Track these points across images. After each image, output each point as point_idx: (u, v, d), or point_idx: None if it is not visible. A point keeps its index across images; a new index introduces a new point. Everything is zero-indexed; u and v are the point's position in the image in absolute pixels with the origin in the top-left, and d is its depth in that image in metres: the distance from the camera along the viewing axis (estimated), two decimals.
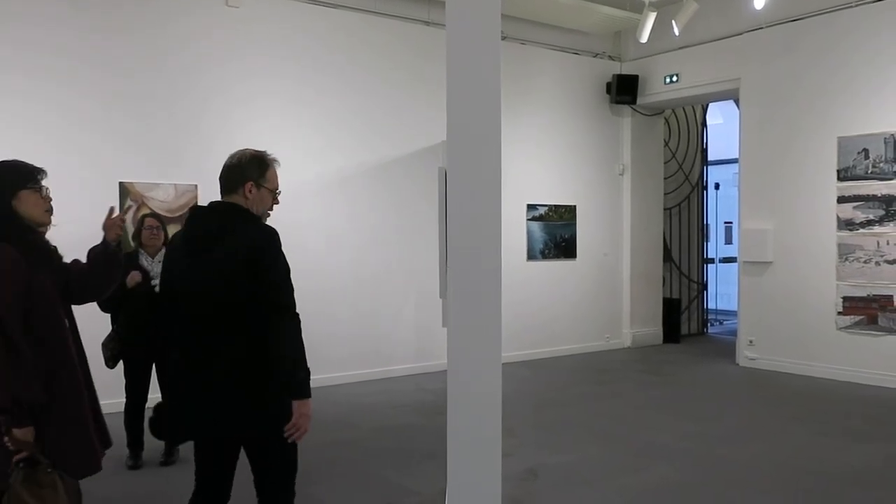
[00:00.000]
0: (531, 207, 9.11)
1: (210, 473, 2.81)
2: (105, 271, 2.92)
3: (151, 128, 6.62)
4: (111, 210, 2.93)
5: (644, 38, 8.14)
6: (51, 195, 2.79)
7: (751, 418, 6.26)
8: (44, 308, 2.65)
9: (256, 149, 2.86)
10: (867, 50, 7.46)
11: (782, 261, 8.20)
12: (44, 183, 2.77)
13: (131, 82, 6.54)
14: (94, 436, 2.80)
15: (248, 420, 2.65)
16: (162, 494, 4.44)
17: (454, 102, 1.55)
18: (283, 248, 2.70)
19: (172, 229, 6.56)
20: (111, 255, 2.91)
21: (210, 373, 2.65)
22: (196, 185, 6.74)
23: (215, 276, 2.65)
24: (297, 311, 2.69)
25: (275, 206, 2.87)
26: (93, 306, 3.82)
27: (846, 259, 7.61)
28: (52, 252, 2.79)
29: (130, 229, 5.25)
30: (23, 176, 2.70)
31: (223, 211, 2.76)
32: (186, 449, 3.12)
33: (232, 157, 2.82)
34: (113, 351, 4.73)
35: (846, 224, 7.62)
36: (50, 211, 2.77)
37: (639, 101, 9.73)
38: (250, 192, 2.75)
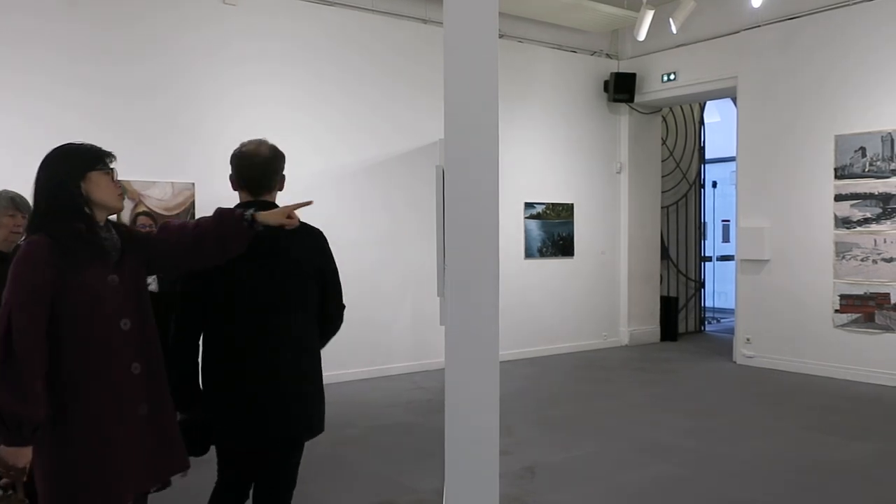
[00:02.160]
0: (529, 206, 9.11)
1: (250, 478, 2.80)
2: (225, 240, 2.46)
3: (149, 126, 6.60)
4: (292, 214, 2.58)
5: (641, 37, 8.14)
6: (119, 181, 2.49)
7: (748, 416, 6.26)
8: (83, 308, 2.25)
9: (259, 138, 2.80)
10: (864, 47, 7.46)
11: (779, 259, 8.21)
12: (113, 167, 2.42)
13: (128, 80, 6.53)
14: (126, 471, 2.31)
15: (315, 423, 2.78)
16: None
17: (452, 100, 1.54)
18: None
19: None
20: (244, 231, 2.47)
21: (283, 380, 2.65)
22: (193, 184, 6.73)
23: (290, 285, 2.65)
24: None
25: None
26: None
27: (843, 257, 7.62)
28: (107, 243, 2.35)
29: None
30: (93, 157, 2.36)
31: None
32: None
33: (257, 153, 2.68)
34: None
35: (843, 222, 7.63)
36: (122, 195, 2.44)
37: (636, 99, 9.73)
38: (280, 188, 2.74)
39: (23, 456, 2.18)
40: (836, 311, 7.67)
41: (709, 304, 11.63)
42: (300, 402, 2.69)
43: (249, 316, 2.63)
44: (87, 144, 2.40)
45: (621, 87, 9.61)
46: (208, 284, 2.61)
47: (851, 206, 7.56)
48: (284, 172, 2.75)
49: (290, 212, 2.50)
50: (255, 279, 2.61)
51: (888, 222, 7.32)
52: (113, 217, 2.47)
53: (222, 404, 2.64)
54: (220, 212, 2.47)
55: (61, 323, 2.23)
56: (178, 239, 2.46)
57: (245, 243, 2.47)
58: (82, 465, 2.24)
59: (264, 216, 2.47)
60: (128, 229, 2.50)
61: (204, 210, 6.68)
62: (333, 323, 2.86)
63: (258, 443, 2.69)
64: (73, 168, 2.31)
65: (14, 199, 3.40)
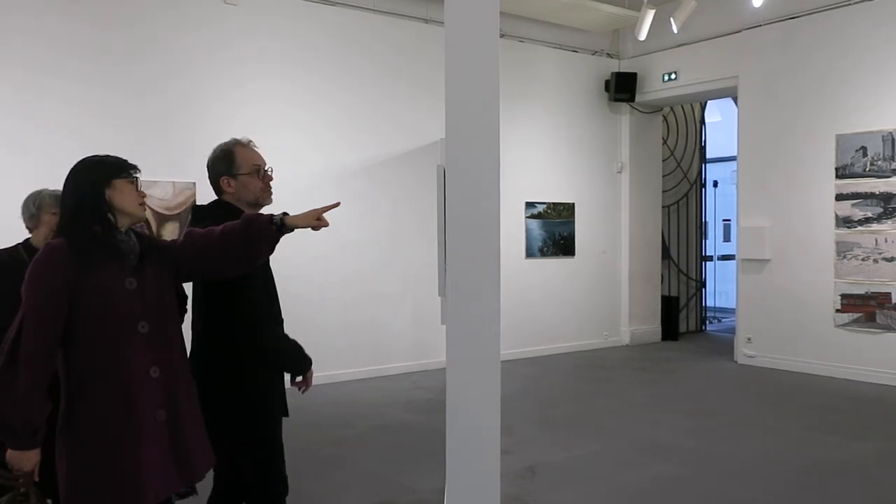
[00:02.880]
0: (529, 205, 9.11)
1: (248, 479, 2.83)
2: (250, 244, 2.42)
3: (149, 125, 6.61)
4: (322, 217, 2.48)
5: (642, 36, 8.13)
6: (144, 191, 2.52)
7: (748, 415, 6.26)
8: (97, 312, 2.26)
9: (226, 140, 2.85)
10: (865, 47, 7.46)
11: (780, 258, 8.21)
12: (137, 177, 2.48)
13: (130, 80, 6.53)
14: (143, 474, 2.27)
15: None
16: None
17: (453, 100, 1.54)
18: (281, 246, 2.68)
19: (170, 227, 6.61)
20: (272, 234, 2.42)
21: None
22: (194, 183, 6.73)
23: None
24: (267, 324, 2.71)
25: (272, 185, 2.83)
26: None
27: (844, 256, 7.62)
28: (124, 245, 2.35)
29: None
30: (118, 166, 2.42)
31: (206, 209, 2.81)
32: None
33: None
34: None
35: (844, 221, 7.62)
36: (144, 205, 2.48)
37: (637, 98, 9.72)
38: (229, 185, 2.76)
39: (27, 460, 2.18)
40: (837, 310, 7.67)
41: (710, 303, 11.63)
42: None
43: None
44: (114, 156, 2.46)
45: (622, 87, 9.60)
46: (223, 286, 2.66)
47: (852, 205, 7.56)
48: (230, 167, 2.77)
49: (319, 214, 2.47)
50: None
51: (889, 222, 7.31)
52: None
53: (227, 402, 2.67)
54: (248, 216, 2.47)
55: (74, 324, 2.24)
56: (204, 244, 2.44)
57: (273, 247, 2.46)
58: (92, 465, 2.24)
59: (293, 219, 2.44)
60: (152, 238, 2.52)
61: None
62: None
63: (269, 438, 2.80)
64: (99, 175, 2.36)
65: (58, 198, 3.15)
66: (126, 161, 2.45)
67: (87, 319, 2.25)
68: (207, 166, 2.83)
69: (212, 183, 2.82)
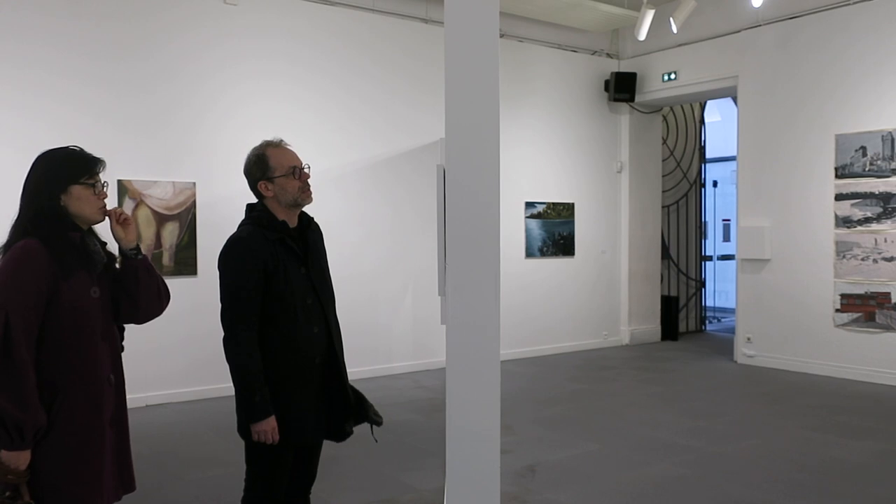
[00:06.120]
0: (529, 205, 9.11)
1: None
2: (138, 287, 2.44)
3: (150, 126, 6.61)
4: (112, 211, 2.45)
5: (642, 36, 8.14)
6: (106, 190, 2.43)
7: (748, 415, 6.27)
8: (70, 316, 2.27)
9: (258, 142, 2.81)
10: (865, 47, 7.46)
11: (780, 258, 8.21)
12: (101, 175, 2.42)
13: (130, 78, 6.53)
14: (104, 477, 2.34)
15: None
16: None
17: (453, 100, 1.55)
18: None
19: (170, 227, 6.62)
20: (136, 266, 2.44)
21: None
22: (194, 183, 6.73)
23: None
24: (238, 331, 2.61)
25: (310, 182, 2.76)
26: None
27: (844, 256, 7.62)
28: (96, 255, 2.36)
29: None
30: (78, 168, 2.35)
31: (246, 215, 2.81)
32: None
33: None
34: None
35: (844, 221, 7.63)
36: (103, 208, 2.41)
37: (637, 98, 9.73)
38: (267, 189, 2.70)
39: (24, 458, 2.19)
40: (837, 310, 7.67)
41: (709, 303, 11.63)
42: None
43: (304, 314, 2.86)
44: (77, 152, 2.40)
45: (622, 87, 9.61)
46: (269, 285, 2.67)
47: (852, 205, 7.56)
48: (266, 171, 2.70)
49: (112, 225, 2.45)
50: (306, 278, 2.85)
51: (889, 221, 7.32)
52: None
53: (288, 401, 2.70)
54: None
55: (48, 330, 2.24)
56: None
57: (130, 269, 2.44)
58: (67, 469, 2.27)
59: (119, 240, 2.46)
60: (108, 250, 2.50)
61: (205, 209, 6.69)
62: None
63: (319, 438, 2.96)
64: (56, 179, 2.33)
65: None
66: (89, 158, 2.40)
67: (62, 326, 2.26)
68: (244, 173, 2.75)
69: (252, 189, 2.75)
